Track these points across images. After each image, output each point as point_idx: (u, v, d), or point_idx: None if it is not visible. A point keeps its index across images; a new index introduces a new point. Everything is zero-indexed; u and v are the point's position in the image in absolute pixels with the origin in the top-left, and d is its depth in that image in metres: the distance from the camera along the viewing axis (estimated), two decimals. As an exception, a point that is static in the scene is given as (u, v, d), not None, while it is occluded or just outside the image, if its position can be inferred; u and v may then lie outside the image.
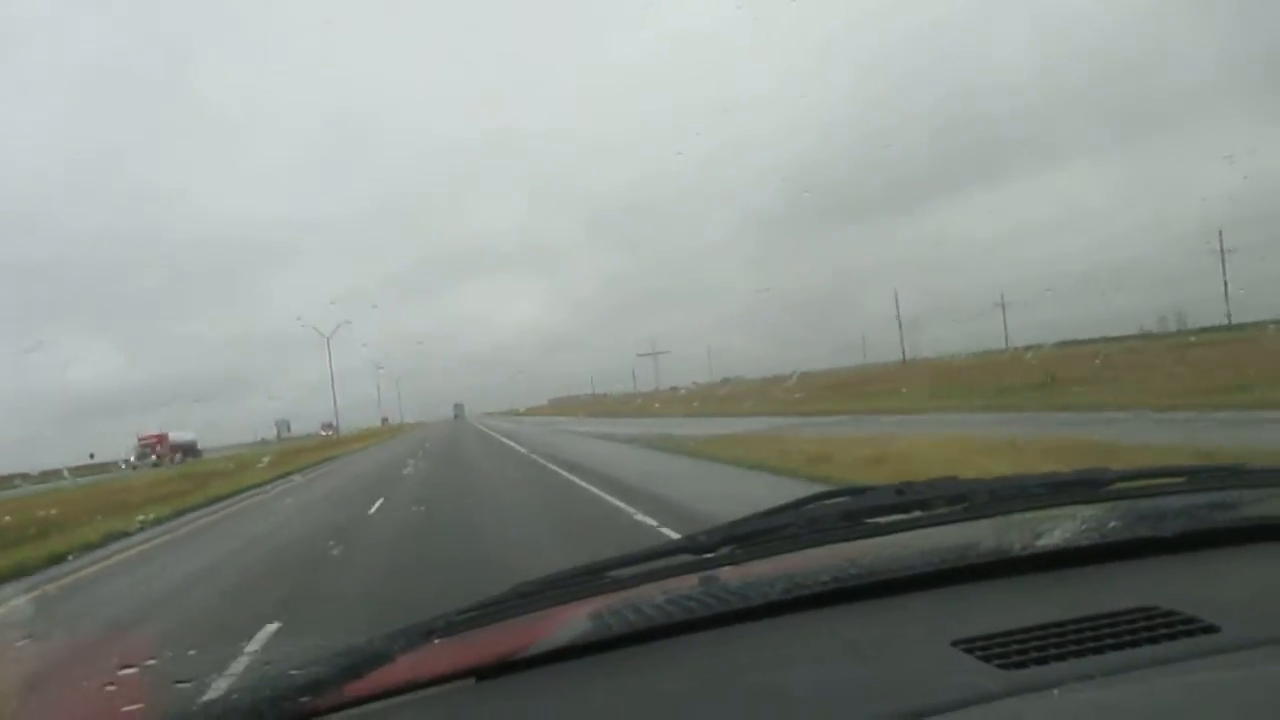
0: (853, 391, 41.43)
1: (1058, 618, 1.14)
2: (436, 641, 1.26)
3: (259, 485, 24.76)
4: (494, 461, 23.27)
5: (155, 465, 45.71)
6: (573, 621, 1.31)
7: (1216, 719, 0.92)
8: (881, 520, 1.47)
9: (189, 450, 55.95)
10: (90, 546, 13.58)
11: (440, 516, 12.17)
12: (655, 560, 1.41)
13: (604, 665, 1.21)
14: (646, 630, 1.25)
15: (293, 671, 1.18)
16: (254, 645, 5.31)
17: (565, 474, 16.59)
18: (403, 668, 1.19)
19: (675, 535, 6.25)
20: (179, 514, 18.60)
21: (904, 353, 59.67)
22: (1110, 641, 1.08)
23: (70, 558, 12.52)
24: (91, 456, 44.11)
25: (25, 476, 23.43)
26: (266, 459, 36.13)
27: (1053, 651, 1.06)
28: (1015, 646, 1.07)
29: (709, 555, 1.40)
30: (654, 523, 9.09)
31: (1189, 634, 1.08)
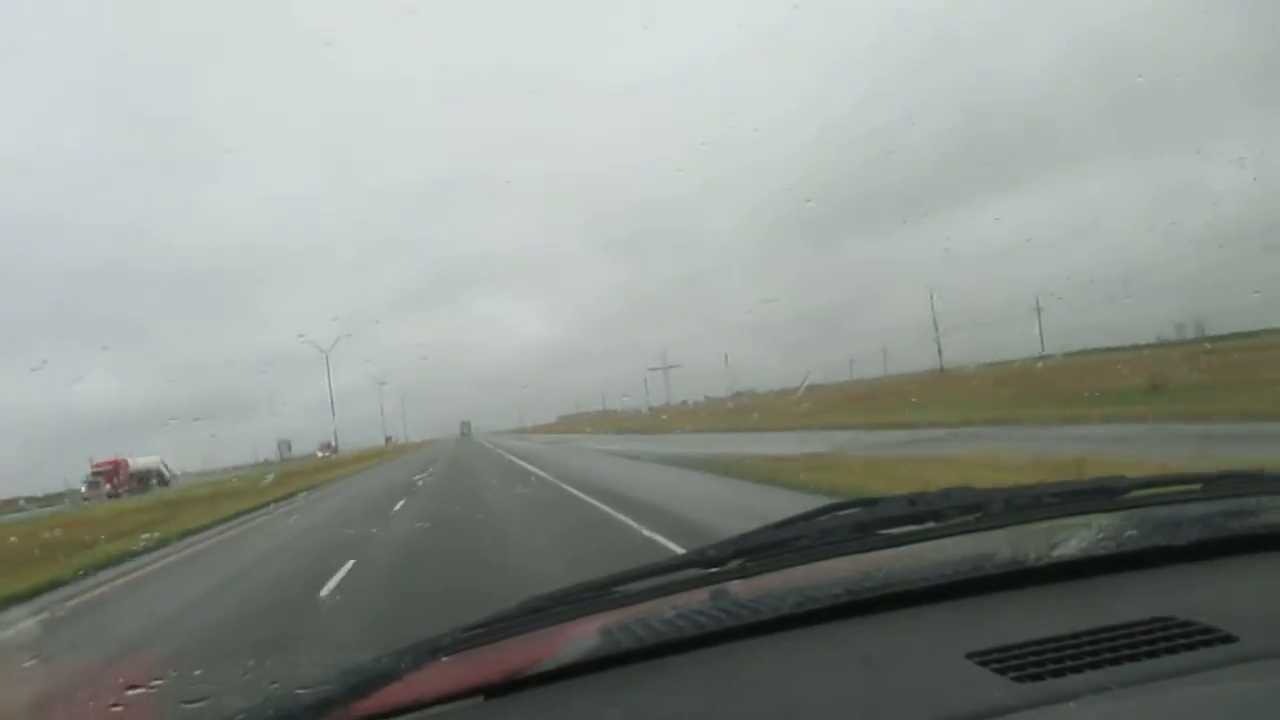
0: (897, 403, 37.73)
1: (1073, 629, 1.12)
2: (444, 659, 1.24)
3: (205, 529, 19.54)
4: (513, 495, 18.38)
5: (112, 496, 40.15)
6: (581, 638, 1.30)
7: None
8: (894, 532, 1.44)
9: (149, 479, 48.67)
10: None
11: (434, 590, 7.75)
12: (664, 575, 1.40)
13: (614, 682, 1.21)
14: (656, 646, 1.24)
15: (299, 691, 1.17)
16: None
17: (614, 513, 12.22)
18: (410, 686, 1.18)
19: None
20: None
21: (941, 361, 55.44)
22: (1126, 653, 1.06)
23: None
24: (67, 483, 40.13)
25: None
26: (254, 484, 32.20)
27: (1068, 663, 1.05)
28: (1031, 658, 1.06)
29: (718, 569, 1.39)
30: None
31: (1206, 644, 1.07)
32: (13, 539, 17.36)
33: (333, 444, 70.28)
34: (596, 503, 14.04)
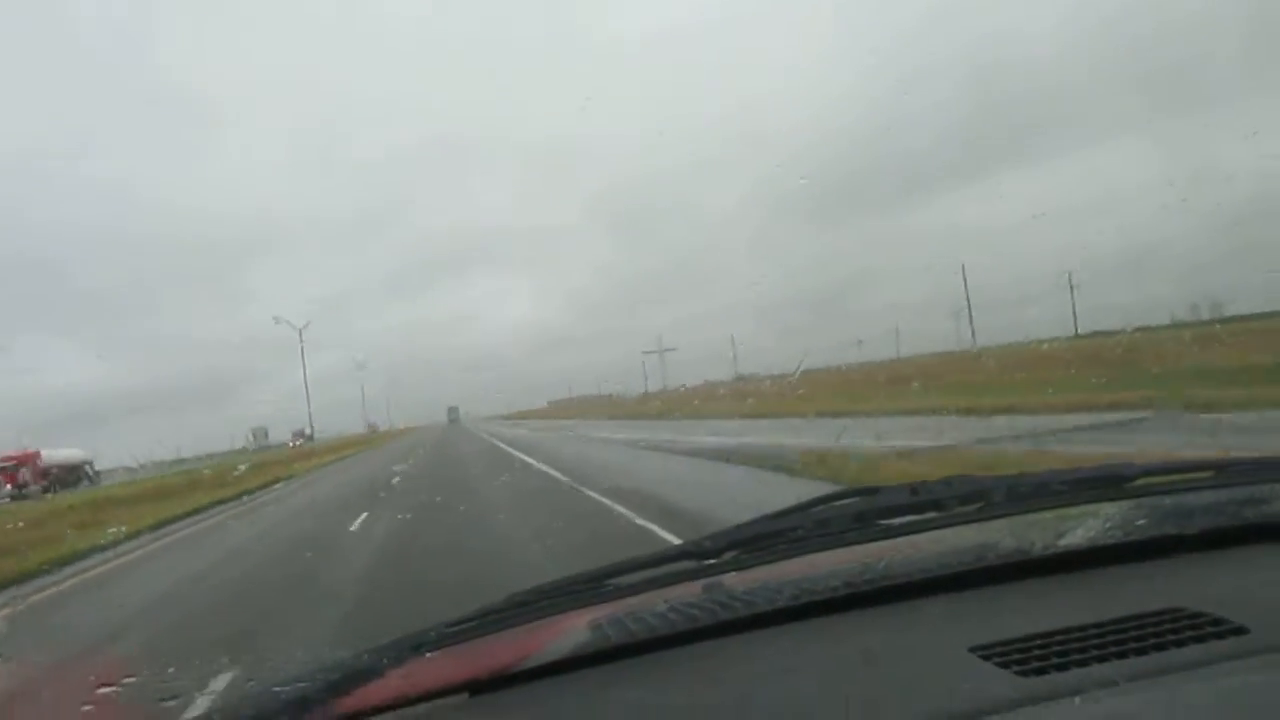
0: (941, 384, 33.26)
1: (1079, 621, 1.11)
2: (427, 655, 1.22)
3: (66, 562, 13.17)
4: (521, 504, 12.88)
5: (16, 497, 34.27)
6: (570, 632, 1.27)
7: None
8: (894, 522, 1.41)
9: (72, 476, 41.62)
10: None
11: None
12: (655, 567, 1.36)
13: (603, 677, 1.19)
14: (648, 640, 1.22)
15: (277, 688, 1.14)
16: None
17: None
18: (392, 683, 1.16)
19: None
20: None
21: (974, 339, 50.93)
22: (1134, 645, 1.05)
23: None
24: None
25: None
26: (194, 482, 27.09)
27: (1074, 657, 1.04)
28: (1035, 652, 1.05)
29: (712, 561, 1.37)
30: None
31: (1217, 636, 1.05)
32: None
33: (307, 432, 64.97)
34: (643, 521, 9.33)
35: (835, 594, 1.29)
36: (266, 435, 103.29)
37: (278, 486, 28.31)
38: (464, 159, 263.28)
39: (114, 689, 2.28)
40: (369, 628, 5.98)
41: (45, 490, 36.87)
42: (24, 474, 38.19)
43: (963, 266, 51.40)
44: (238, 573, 10.40)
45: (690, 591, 1.33)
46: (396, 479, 21.84)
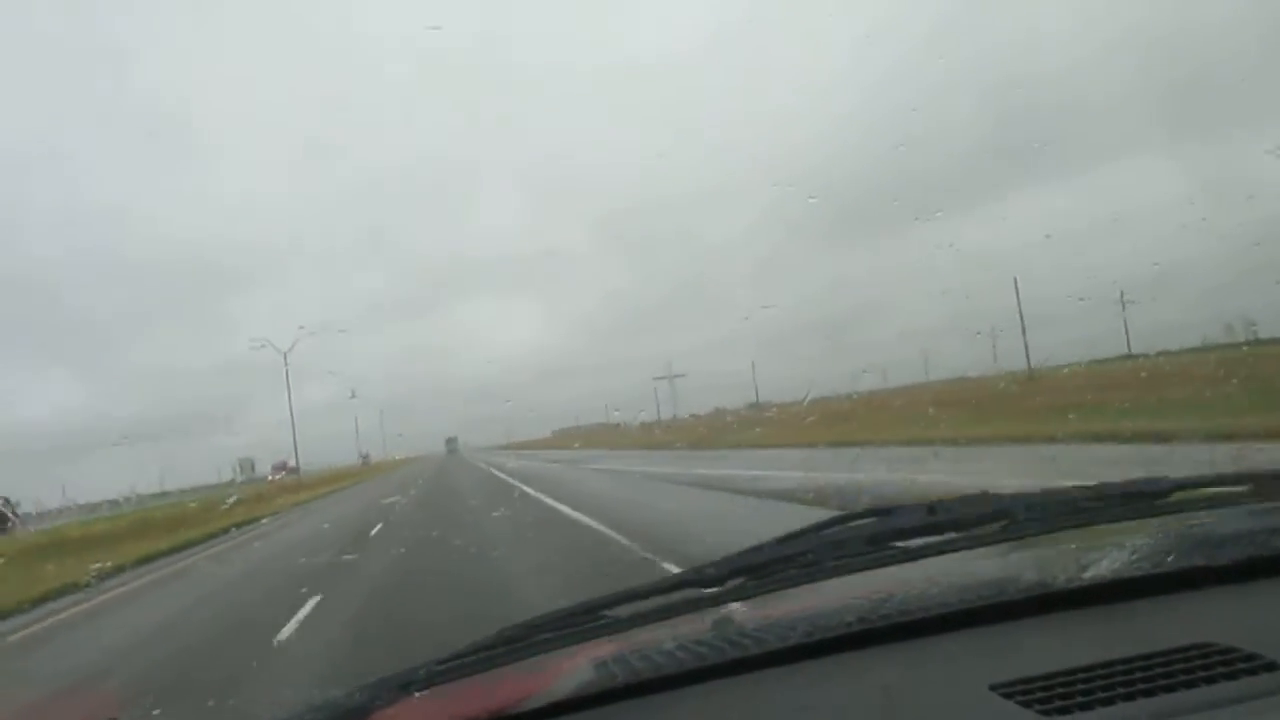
0: (1014, 410, 28.78)
1: (1104, 657, 1.08)
2: (417, 695, 1.18)
3: None
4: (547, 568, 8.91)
5: None
6: (571, 671, 1.23)
7: None
8: (912, 544, 1.36)
9: None
10: None
11: None
12: (658, 596, 1.31)
13: (609, 719, 1.15)
14: (655, 680, 1.18)
15: None
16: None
17: None
18: None
19: None
20: None
21: (1029, 360, 46.30)
22: (1162, 683, 1.02)
23: None
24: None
25: None
26: (146, 525, 22.46)
27: (1099, 695, 1.02)
28: (1059, 690, 1.03)
29: (717, 589, 1.32)
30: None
31: (1249, 672, 1.02)
32: None
33: (290, 464, 60.04)
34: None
35: (850, 630, 1.23)
36: (254, 467, 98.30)
37: (245, 532, 23.99)
38: (463, 182, 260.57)
39: None
40: None
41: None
42: None
43: (1015, 280, 47.41)
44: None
45: (699, 627, 1.30)
46: (375, 530, 17.01)
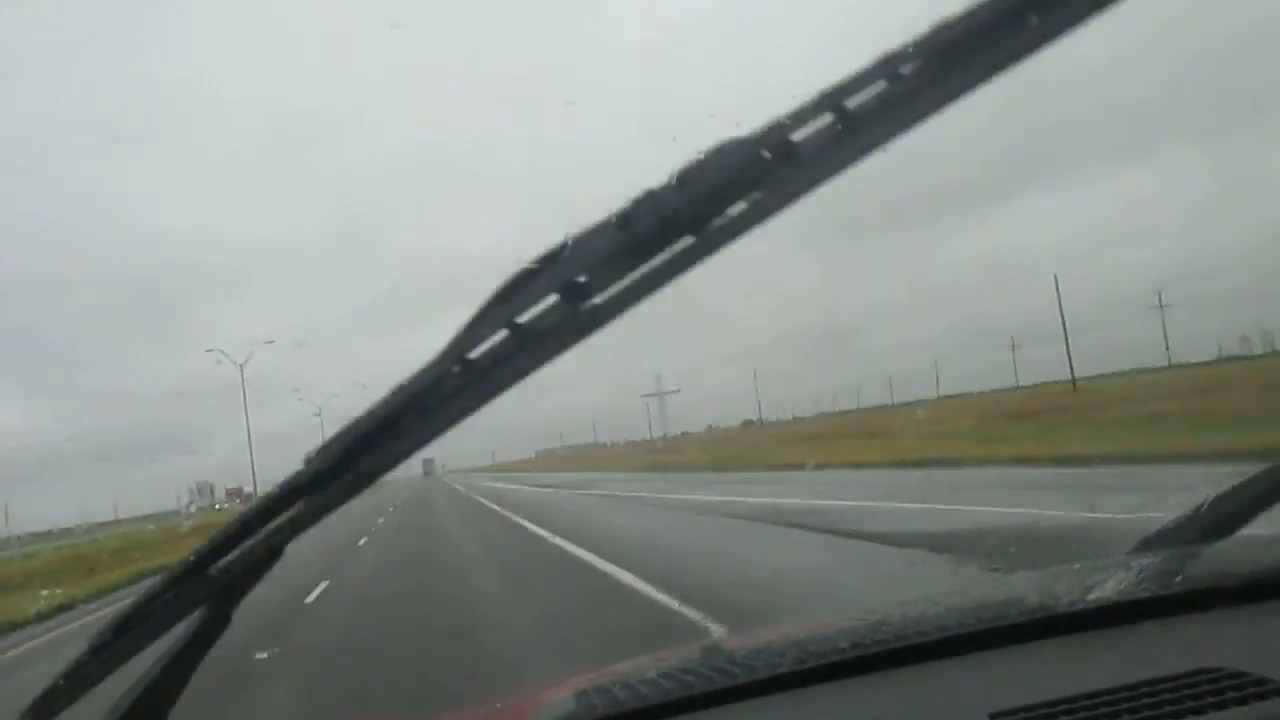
0: (1097, 423, 24.30)
1: (1109, 684, 1.04)
2: None
3: None
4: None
5: None
6: (551, 703, 1.20)
7: None
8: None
9: None
10: None
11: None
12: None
13: None
14: (639, 710, 1.12)
15: None
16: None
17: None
18: None
19: None
20: None
21: (1073, 371, 41.69)
22: (1169, 710, 0.98)
23: None
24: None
25: None
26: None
27: None
28: (1061, 718, 1.00)
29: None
30: None
31: (1259, 697, 0.98)
32: None
33: (246, 490, 54.05)
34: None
35: (844, 656, 1.17)
36: (213, 492, 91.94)
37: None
38: (450, 187, 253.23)
39: None
40: None
41: None
42: None
43: (1055, 278, 43.10)
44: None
45: (685, 654, 1.27)
46: (313, 597, 11.63)
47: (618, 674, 1.22)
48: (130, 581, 18.82)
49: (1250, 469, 1.41)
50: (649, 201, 0.89)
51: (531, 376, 0.94)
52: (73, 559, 24.37)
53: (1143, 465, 13.33)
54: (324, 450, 0.92)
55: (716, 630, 6.36)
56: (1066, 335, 40.47)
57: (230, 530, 0.93)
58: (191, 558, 0.94)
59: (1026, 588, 1.36)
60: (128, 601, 0.94)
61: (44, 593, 17.22)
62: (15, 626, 14.51)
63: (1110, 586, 1.26)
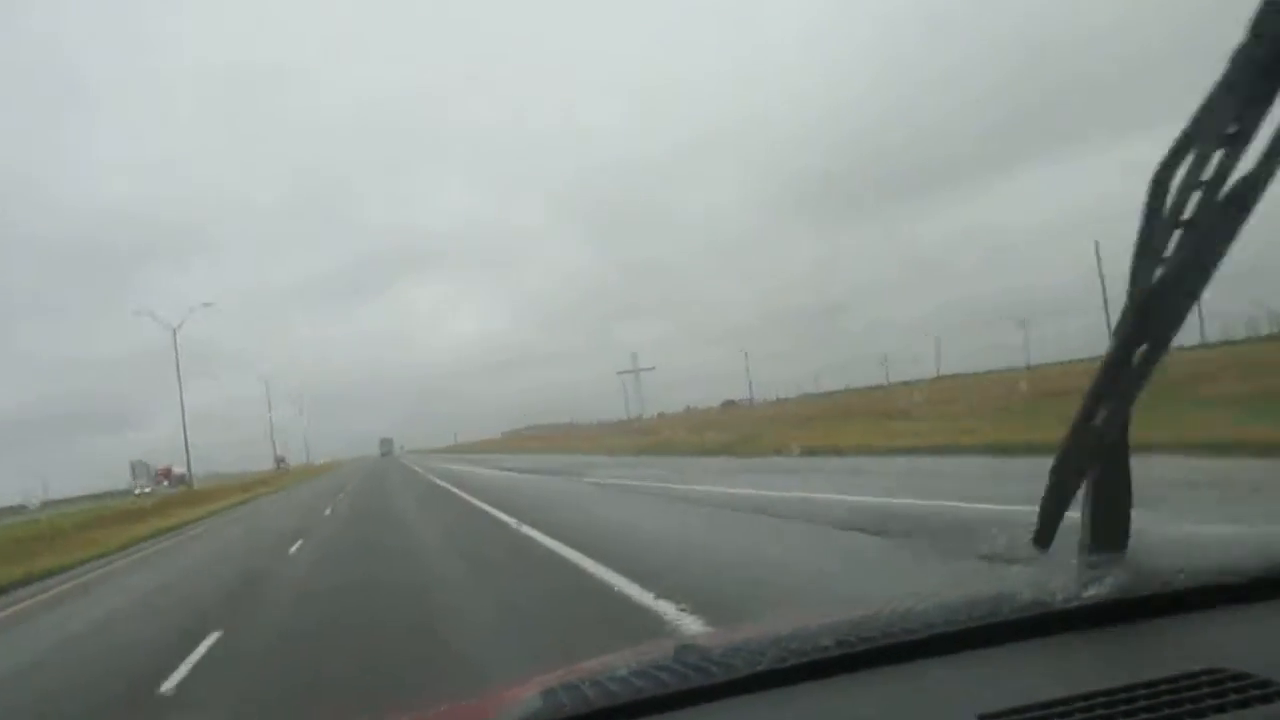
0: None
1: (1104, 685, 1.01)
2: None
3: None
4: None
5: None
6: (517, 701, 1.14)
7: None
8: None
9: None
10: None
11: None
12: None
13: None
14: (609, 709, 1.07)
15: None
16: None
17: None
18: None
19: None
20: None
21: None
22: (1168, 712, 0.96)
23: None
24: None
25: None
26: None
27: None
28: None
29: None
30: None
31: (1263, 699, 0.95)
32: None
33: (177, 470, 48.52)
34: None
35: (827, 654, 1.14)
36: (149, 471, 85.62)
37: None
38: (416, 153, 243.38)
39: None
40: None
41: None
42: None
43: (1096, 245, 39.55)
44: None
45: (659, 651, 1.21)
46: (211, 644, 6.93)
47: (587, 671, 1.18)
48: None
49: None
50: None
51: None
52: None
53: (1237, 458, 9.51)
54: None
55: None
56: (1106, 304, 37.00)
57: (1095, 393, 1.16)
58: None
59: (1020, 584, 1.28)
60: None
61: None
62: None
63: (1108, 583, 1.21)
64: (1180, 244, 1.08)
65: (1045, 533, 1.39)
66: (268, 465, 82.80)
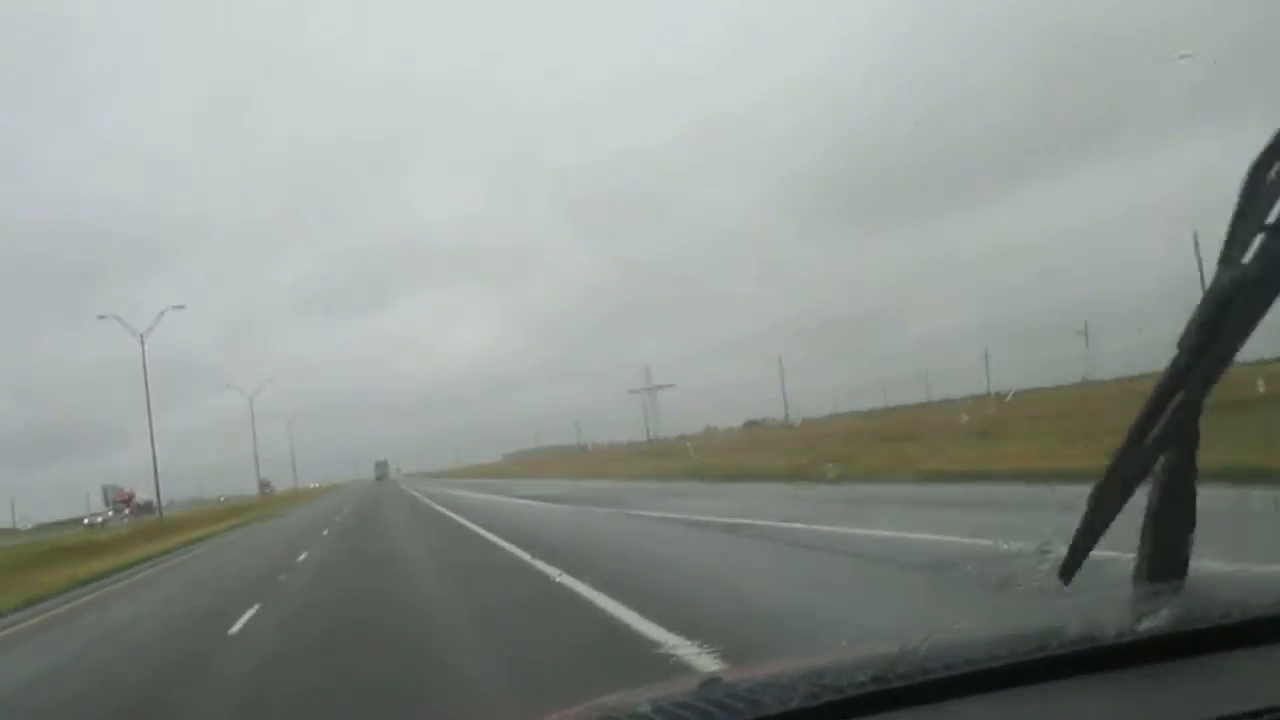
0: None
1: None
2: None
3: None
4: None
5: None
6: None
7: None
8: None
9: None
10: None
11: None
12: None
13: None
14: None
15: None
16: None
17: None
18: None
19: None
20: None
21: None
22: None
23: None
24: None
25: None
26: None
27: None
28: None
29: None
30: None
31: None
32: None
33: (141, 498, 43.45)
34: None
35: (862, 691, 1.08)
36: (127, 498, 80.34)
37: None
38: (404, 155, 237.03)
39: None
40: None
41: None
42: None
43: (1195, 235, 35.22)
44: None
45: (682, 689, 1.14)
46: None
47: (606, 707, 1.13)
48: None
49: None
50: None
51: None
52: None
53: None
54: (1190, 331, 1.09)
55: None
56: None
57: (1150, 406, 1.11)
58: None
59: (1068, 617, 1.21)
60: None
61: None
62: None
63: (1164, 616, 1.16)
64: (1262, 249, 1.03)
65: (1071, 565, 1.32)
66: (254, 490, 77.49)
